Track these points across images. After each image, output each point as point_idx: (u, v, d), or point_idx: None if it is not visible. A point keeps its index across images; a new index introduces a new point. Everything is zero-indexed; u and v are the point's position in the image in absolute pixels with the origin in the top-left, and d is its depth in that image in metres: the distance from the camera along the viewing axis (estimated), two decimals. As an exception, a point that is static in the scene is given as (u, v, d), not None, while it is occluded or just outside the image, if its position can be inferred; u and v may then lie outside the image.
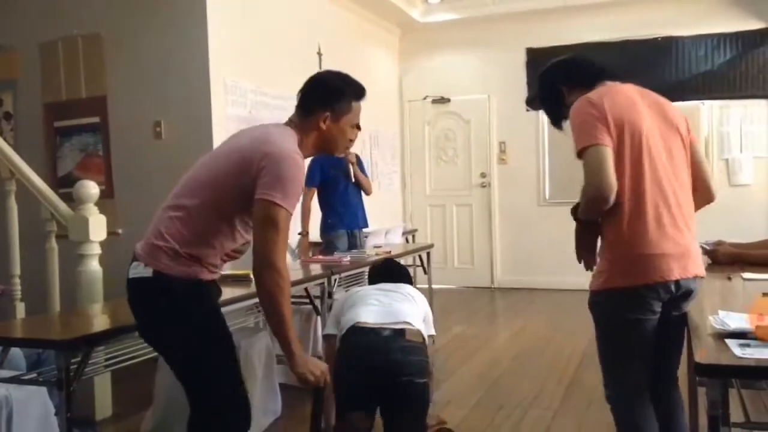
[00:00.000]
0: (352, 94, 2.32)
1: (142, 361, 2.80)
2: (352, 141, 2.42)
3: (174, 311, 2.07)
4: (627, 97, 2.23)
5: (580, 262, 2.31)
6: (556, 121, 2.52)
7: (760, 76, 7.24)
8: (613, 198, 2.08)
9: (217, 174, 2.11)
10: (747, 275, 2.95)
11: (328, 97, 2.28)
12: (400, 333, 2.72)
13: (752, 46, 7.23)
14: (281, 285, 2.00)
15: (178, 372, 2.16)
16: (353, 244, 5.38)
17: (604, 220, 2.20)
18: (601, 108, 2.15)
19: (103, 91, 5.41)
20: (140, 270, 2.09)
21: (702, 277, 2.27)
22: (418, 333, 2.78)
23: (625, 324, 2.20)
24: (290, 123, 2.27)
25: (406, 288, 3.18)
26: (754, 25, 7.22)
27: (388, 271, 3.40)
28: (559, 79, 2.43)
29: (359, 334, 2.76)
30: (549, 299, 7.43)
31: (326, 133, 2.27)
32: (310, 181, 5.19)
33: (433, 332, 3.24)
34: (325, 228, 5.32)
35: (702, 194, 2.38)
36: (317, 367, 2.11)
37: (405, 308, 2.91)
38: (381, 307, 2.90)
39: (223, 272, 2.37)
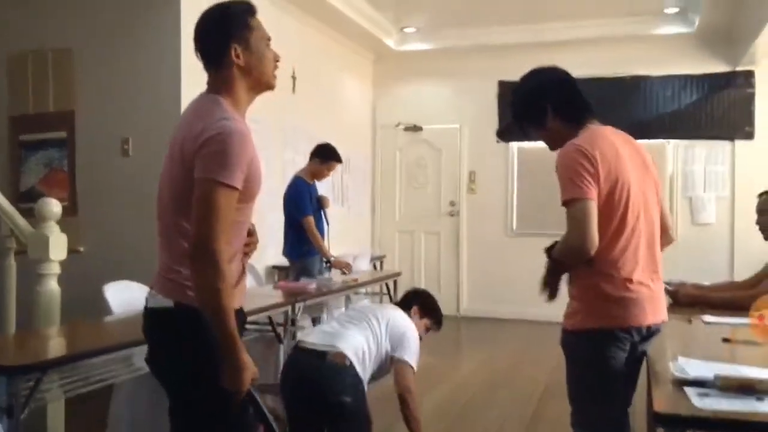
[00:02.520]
0: (242, 11, 2.03)
1: (98, 387, 2.73)
2: (278, 61, 2.09)
3: (194, 345, 1.90)
4: (612, 146, 2.25)
5: (541, 294, 2.35)
6: (524, 129, 2.47)
7: (724, 118, 7.43)
8: (593, 253, 2.13)
9: (174, 182, 1.94)
10: (708, 318, 3.00)
11: (221, 29, 2.00)
12: (320, 355, 3.03)
13: (717, 89, 7.42)
14: (220, 272, 1.80)
15: (189, 408, 1.98)
16: (322, 268, 5.41)
17: (583, 264, 2.23)
18: (593, 161, 2.16)
19: (72, 106, 5.33)
20: (159, 300, 1.95)
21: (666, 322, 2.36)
22: (341, 355, 3.03)
23: (600, 363, 2.24)
24: (212, 88, 2.01)
25: (382, 311, 3.44)
26: (719, 68, 7.41)
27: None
28: (550, 100, 2.35)
29: (293, 353, 3.20)
30: (514, 330, 7.45)
31: (246, 66, 2.00)
32: (306, 210, 5.22)
33: (403, 357, 3.30)
34: (302, 254, 5.29)
35: (666, 237, 2.44)
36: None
37: (346, 333, 3.17)
38: (329, 329, 3.27)
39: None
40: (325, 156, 5.34)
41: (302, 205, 5.21)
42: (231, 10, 2.03)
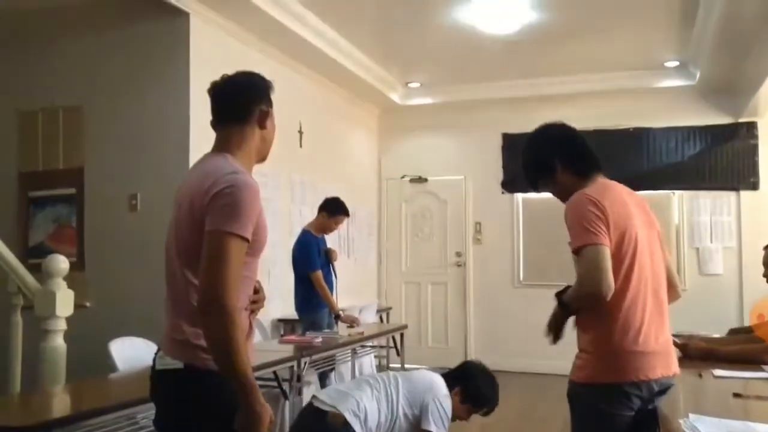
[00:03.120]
0: (269, 85, 2.16)
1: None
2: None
3: (205, 407, 1.89)
4: (621, 199, 2.30)
5: (548, 336, 2.37)
6: (534, 185, 2.52)
7: (728, 168, 7.45)
8: (610, 297, 2.14)
9: (181, 238, 1.96)
10: (718, 372, 2.96)
11: (256, 91, 2.11)
12: (322, 414, 3.06)
13: (720, 141, 7.46)
14: (233, 321, 1.79)
15: None
16: (331, 321, 5.38)
17: (591, 315, 2.26)
18: (603, 209, 2.21)
19: (81, 163, 5.40)
20: (168, 361, 1.93)
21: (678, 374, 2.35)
22: (339, 416, 3.04)
23: (606, 419, 2.23)
24: (222, 146, 2.07)
25: (407, 375, 3.37)
26: (722, 119, 7.47)
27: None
28: (558, 155, 2.42)
29: (305, 407, 3.29)
30: (522, 383, 7.34)
31: (267, 132, 2.12)
32: (315, 265, 5.24)
33: (427, 428, 3.20)
34: (312, 308, 5.28)
35: (673, 293, 2.45)
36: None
37: (356, 393, 3.15)
38: (343, 388, 3.28)
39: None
40: (332, 210, 5.37)
41: (311, 259, 5.22)
42: (264, 79, 2.16)
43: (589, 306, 2.24)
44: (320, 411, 3.08)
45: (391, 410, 3.16)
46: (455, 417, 3.40)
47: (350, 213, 5.58)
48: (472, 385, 3.46)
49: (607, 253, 2.15)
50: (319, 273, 5.18)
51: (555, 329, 2.36)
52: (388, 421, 3.15)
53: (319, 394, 3.23)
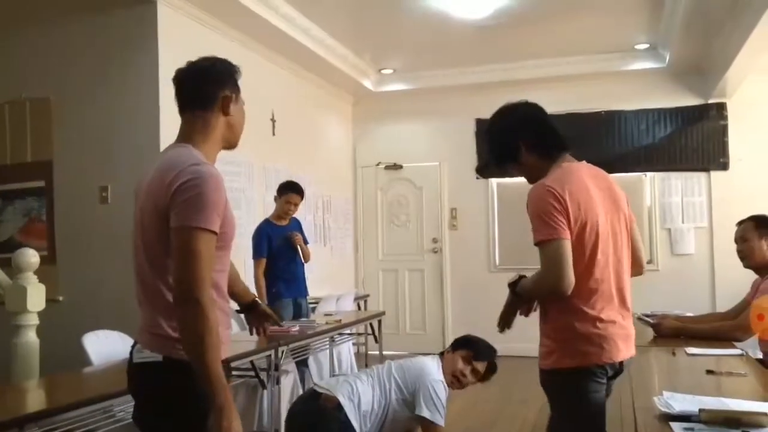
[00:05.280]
0: (236, 70, 2.10)
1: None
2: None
3: (185, 399, 1.86)
4: (582, 184, 2.27)
5: (499, 325, 2.43)
6: (501, 164, 2.48)
7: (699, 149, 7.54)
8: (570, 291, 2.16)
9: (147, 233, 1.93)
10: (691, 350, 3.01)
11: (219, 76, 2.05)
12: (316, 396, 3.17)
13: (691, 122, 7.55)
14: (206, 319, 1.78)
15: None
16: (298, 313, 5.35)
17: (554, 303, 2.26)
18: (563, 201, 2.18)
19: (50, 156, 5.30)
20: (146, 354, 1.91)
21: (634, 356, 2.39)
22: (332, 399, 3.12)
23: (582, 400, 2.25)
24: (184, 137, 2.02)
25: (403, 361, 3.41)
26: (692, 101, 7.55)
27: None
28: (522, 138, 2.37)
29: (305, 391, 3.48)
30: (501, 366, 7.31)
31: (233, 118, 2.06)
32: (258, 252, 5.22)
33: (421, 414, 3.19)
34: (271, 298, 5.24)
35: (636, 269, 2.46)
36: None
37: (352, 379, 3.24)
38: (342, 376, 3.44)
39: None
40: (279, 190, 5.36)
41: (256, 247, 5.25)
42: (228, 64, 2.10)
43: (549, 297, 2.26)
44: (315, 393, 3.18)
45: (384, 396, 3.21)
46: (454, 383, 3.42)
47: (325, 201, 5.54)
48: (475, 345, 3.59)
49: (567, 247, 2.15)
50: (261, 261, 5.19)
51: (506, 319, 2.40)
52: (381, 406, 3.20)
53: (319, 381, 3.41)
